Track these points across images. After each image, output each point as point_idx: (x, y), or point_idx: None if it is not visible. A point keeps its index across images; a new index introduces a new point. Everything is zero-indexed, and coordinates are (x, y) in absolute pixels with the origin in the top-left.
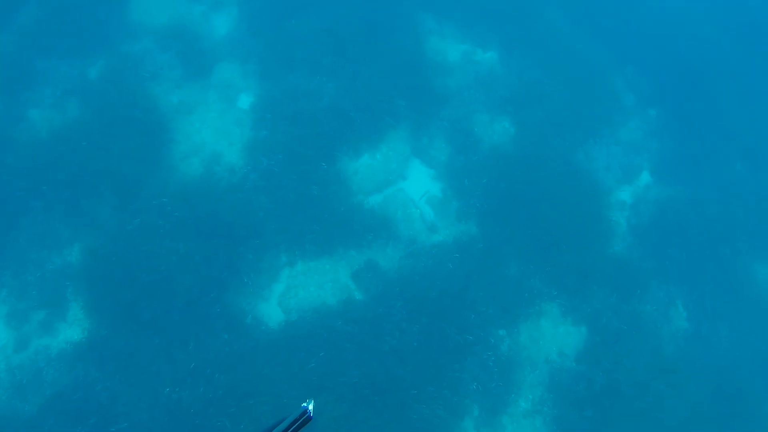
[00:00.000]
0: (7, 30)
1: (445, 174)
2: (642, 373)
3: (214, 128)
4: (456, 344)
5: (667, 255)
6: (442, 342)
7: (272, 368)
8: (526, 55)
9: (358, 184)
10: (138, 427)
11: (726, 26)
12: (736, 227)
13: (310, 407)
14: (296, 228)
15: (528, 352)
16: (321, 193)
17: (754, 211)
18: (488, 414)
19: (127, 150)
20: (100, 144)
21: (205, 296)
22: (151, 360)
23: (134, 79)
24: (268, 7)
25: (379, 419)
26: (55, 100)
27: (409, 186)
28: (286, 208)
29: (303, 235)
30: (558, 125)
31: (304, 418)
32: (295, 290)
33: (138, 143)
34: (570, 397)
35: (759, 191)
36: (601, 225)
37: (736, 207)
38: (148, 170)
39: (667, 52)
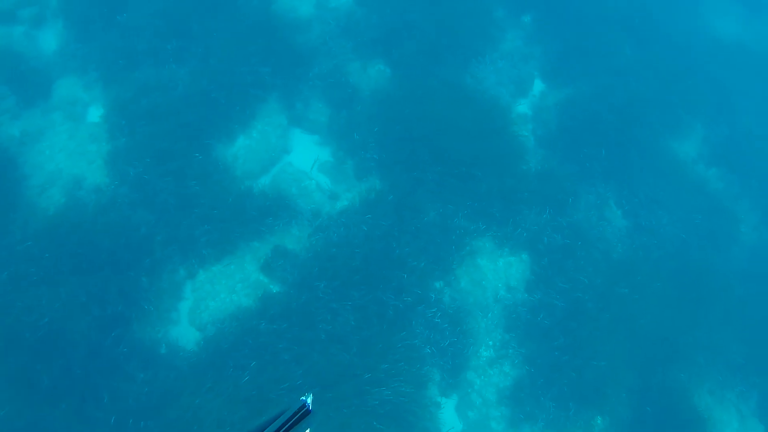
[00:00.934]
0: None
1: (330, 135)
2: (601, 283)
3: (68, 151)
4: (396, 310)
5: (585, 155)
6: (380, 312)
7: (204, 396)
8: None
9: (241, 168)
10: None
11: None
12: (644, 109)
13: (309, 400)
14: (186, 234)
15: (474, 297)
16: (203, 189)
17: (655, 89)
18: (451, 375)
19: None
20: None
21: (105, 339)
22: (63, 430)
23: None
24: (94, 9)
25: (339, 416)
26: None
27: (296, 158)
28: (168, 215)
29: (195, 240)
30: (435, 54)
31: (303, 412)
32: (205, 302)
33: None
34: (533, 331)
35: (655, 67)
36: (510, 144)
37: (637, 89)
38: (4, 215)
39: None
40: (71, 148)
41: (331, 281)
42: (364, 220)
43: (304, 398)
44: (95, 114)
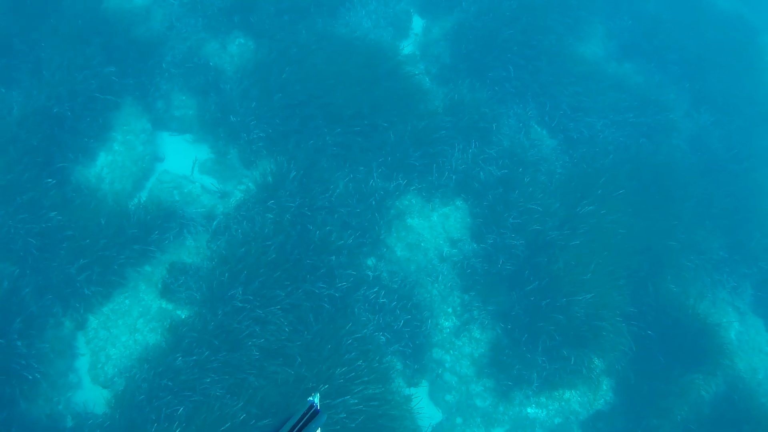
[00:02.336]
0: None
1: (203, 128)
2: (559, 207)
3: None
4: (333, 301)
5: (492, 79)
6: (316, 308)
7: None
8: None
9: (110, 187)
10: None
11: None
12: (539, 15)
13: (317, 400)
14: (60, 276)
15: (416, 264)
16: (67, 219)
17: None
18: (415, 359)
19: None
20: None
21: None
22: None
23: None
24: None
25: None
26: None
27: (171, 164)
28: (33, 258)
29: (73, 280)
30: (297, 9)
31: (312, 412)
32: (104, 352)
33: None
34: (496, 281)
35: None
36: (407, 88)
37: None
38: None
39: None
40: None
41: (248, 285)
42: (267, 207)
43: (311, 399)
44: None
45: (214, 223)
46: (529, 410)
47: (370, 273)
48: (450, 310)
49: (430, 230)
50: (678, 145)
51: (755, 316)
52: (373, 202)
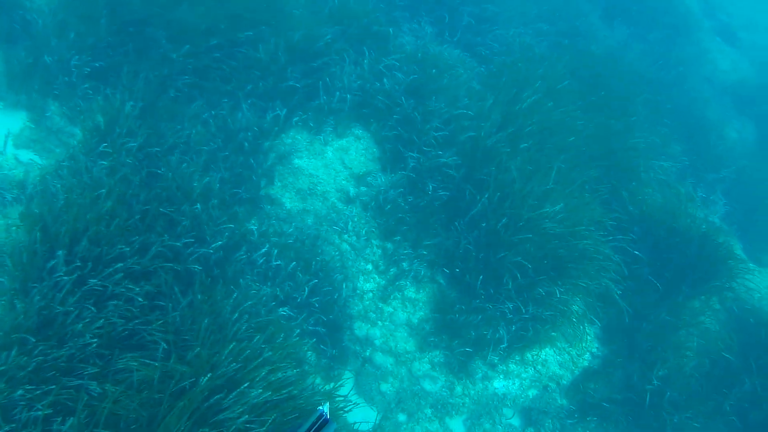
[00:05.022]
0: None
1: (10, 88)
2: (493, 106)
3: None
4: (207, 267)
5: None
6: (184, 276)
7: None
8: None
9: None
10: None
11: None
12: None
13: (326, 409)
14: None
15: (314, 214)
16: None
17: None
18: (331, 342)
19: None
20: None
21: None
22: None
23: None
24: None
25: None
26: None
27: None
28: None
29: None
30: None
31: (321, 421)
32: None
33: None
34: (428, 217)
35: None
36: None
37: None
38: None
39: None
40: None
41: (73, 246)
42: (100, 153)
43: (321, 408)
44: None
45: (29, 189)
46: (496, 385)
47: (254, 228)
48: (370, 266)
49: (326, 170)
50: (608, 42)
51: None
52: (246, 145)
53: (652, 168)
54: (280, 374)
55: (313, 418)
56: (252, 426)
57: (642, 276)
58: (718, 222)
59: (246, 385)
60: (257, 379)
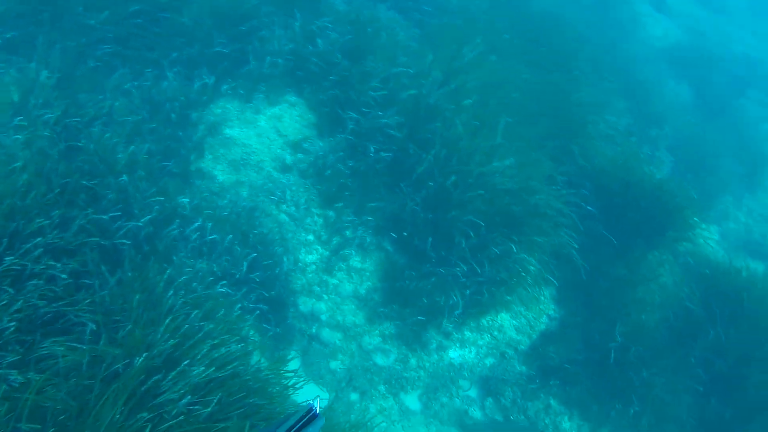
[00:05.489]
0: None
1: None
2: (434, 62)
3: None
4: (137, 243)
5: None
6: (111, 256)
7: None
8: None
9: None
10: None
11: None
12: None
13: (317, 404)
14: None
15: (249, 185)
16: None
17: None
18: (275, 320)
19: None
20: None
21: None
22: None
23: None
24: None
25: None
26: None
27: None
28: None
29: None
30: None
31: (311, 416)
32: None
33: None
34: (370, 180)
35: None
36: None
37: None
38: None
39: None
40: None
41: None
42: (15, 127)
43: (311, 402)
44: None
45: None
46: (452, 354)
47: (186, 201)
48: (311, 237)
49: (260, 139)
50: None
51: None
52: (173, 116)
53: (599, 123)
54: (223, 349)
55: (302, 412)
56: (195, 407)
57: (596, 232)
58: (666, 176)
59: (186, 363)
60: (198, 357)
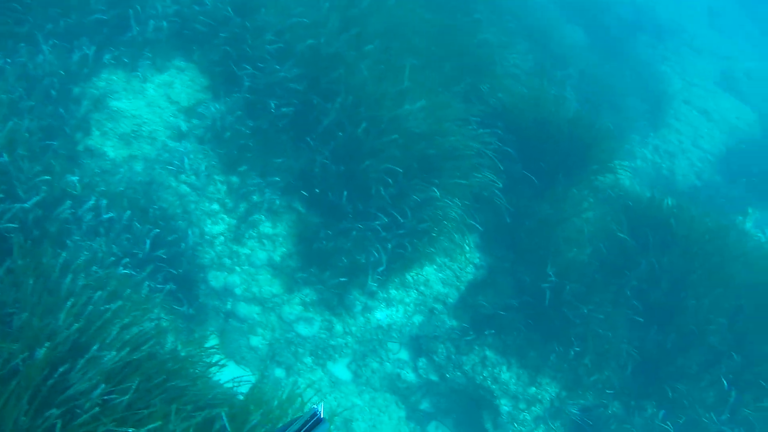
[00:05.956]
0: None
1: None
2: (330, 10)
3: None
4: (25, 226)
5: None
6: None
7: None
8: None
9: None
10: None
11: None
12: None
13: (321, 408)
14: None
15: (143, 160)
16: None
17: None
18: (186, 295)
19: None
20: None
21: None
22: None
23: None
24: None
25: None
26: None
27: None
28: None
29: None
30: None
31: (315, 420)
32: None
33: None
34: (273, 139)
35: None
36: None
37: None
38: None
39: None
40: None
41: None
42: None
43: (315, 407)
44: None
45: None
46: (379, 316)
47: (74, 179)
48: (216, 206)
49: (150, 108)
50: None
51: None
52: (53, 93)
53: (505, 63)
54: (135, 329)
55: (306, 417)
56: (112, 397)
57: (515, 172)
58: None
59: (96, 348)
60: (108, 340)
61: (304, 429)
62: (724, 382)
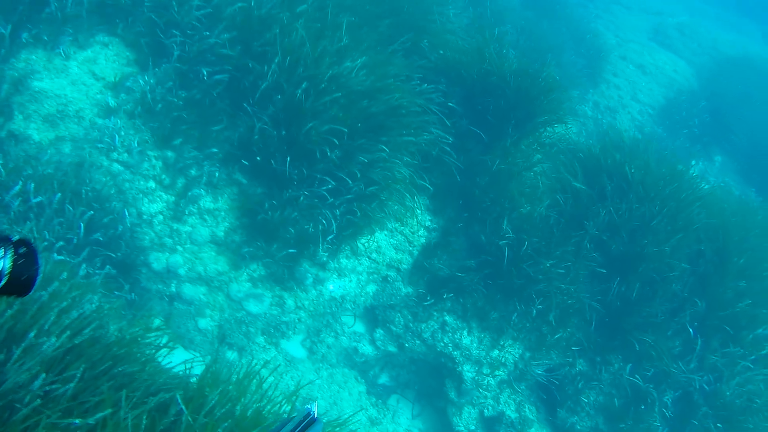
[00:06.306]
0: None
1: None
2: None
3: None
4: None
5: None
6: None
7: None
8: None
9: None
10: None
11: None
12: None
13: (314, 408)
14: None
15: (69, 140)
16: None
17: None
18: (127, 281)
19: None
20: None
21: None
22: None
23: None
24: None
25: None
26: None
27: None
28: None
29: None
30: None
31: (308, 420)
32: None
33: None
34: (208, 108)
35: None
36: None
37: None
38: None
39: None
40: None
41: None
42: None
43: (309, 407)
44: None
45: None
46: (330, 286)
47: None
48: (152, 183)
49: (75, 87)
50: None
51: None
52: None
53: (443, 20)
54: (74, 312)
55: (300, 417)
56: (55, 387)
57: (462, 128)
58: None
59: (33, 334)
60: (47, 325)
61: (298, 429)
62: (690, 329)
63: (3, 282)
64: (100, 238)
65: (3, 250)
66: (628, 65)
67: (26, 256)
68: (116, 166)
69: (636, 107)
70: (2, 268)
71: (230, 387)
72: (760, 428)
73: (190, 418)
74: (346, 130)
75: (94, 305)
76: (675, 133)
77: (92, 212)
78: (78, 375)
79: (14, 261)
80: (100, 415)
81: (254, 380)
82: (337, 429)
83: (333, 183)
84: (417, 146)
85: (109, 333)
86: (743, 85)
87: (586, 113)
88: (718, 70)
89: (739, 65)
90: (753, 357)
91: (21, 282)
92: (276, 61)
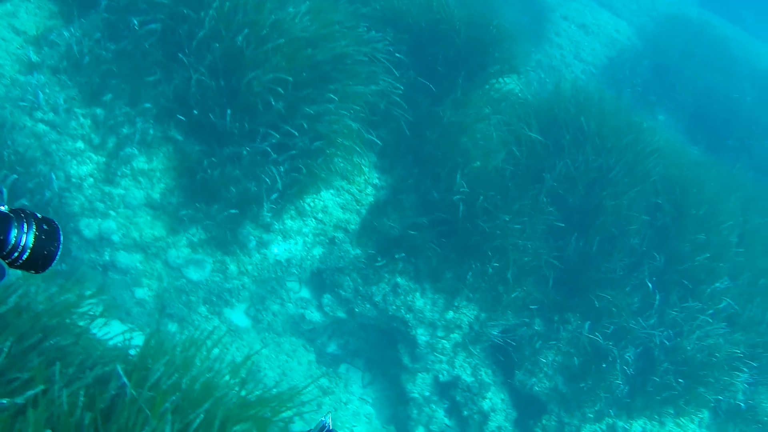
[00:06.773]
0: None
1: None
2: None
3: None
4: None
5: None
6: None
7: None
8: None
9: None
10: None
11: None
12: None
13: (329, 420)
14: None
15: None
16: None
17: None
18: (69, 263)
19: None
20: None
21: None
22: None
23: None
24: None
25: None
26: None
27: None
28: None
29: None
30: None
31: None
32: None
33: None
34: (139, 59)
35: None
36: None
37: None
38: None
39: None
40: None
41: None
42: None
43: (324, 419)
44: None
45: None
46: (276, 250)
47: None
48: (81, 144)
49: None
50: None
51: None
52: None
53: None
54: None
55: (315, 430)
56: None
57: (411, 80)
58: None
59: None
60: None
61: None
62: (649, 284)
63: (25, 256)
64: (26, 204)
65: (26, 225)
66: (570, 25)
67: (48, 233)
68: (41, 126)
69: (579, 66)
70: (25, 243)
71: (176, 357)
72: (720, 382)
73: (134, 392)
74: (291, 80)
75: (17, 278)
76: (619, 92)
77: (16, 176)
78: (5, 350)
79: (36, 237)
80: (30, 393)
81: (202, 350)
82: (289, 403)
83: (277, 136)
84: (364, 98)
85: (38, 301)
86: (684, 43)
87: (528, 72)
88: (658, 30)
89: (679, 24)
90: (711, 311)
91: (41, 258)
92: (214, 5)
